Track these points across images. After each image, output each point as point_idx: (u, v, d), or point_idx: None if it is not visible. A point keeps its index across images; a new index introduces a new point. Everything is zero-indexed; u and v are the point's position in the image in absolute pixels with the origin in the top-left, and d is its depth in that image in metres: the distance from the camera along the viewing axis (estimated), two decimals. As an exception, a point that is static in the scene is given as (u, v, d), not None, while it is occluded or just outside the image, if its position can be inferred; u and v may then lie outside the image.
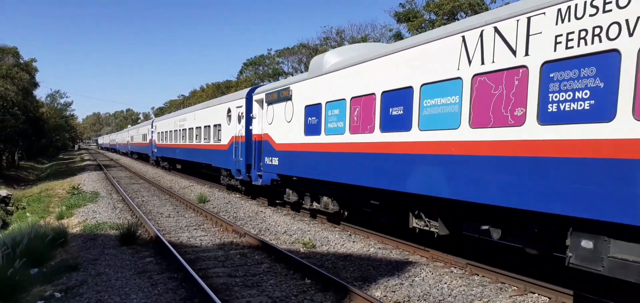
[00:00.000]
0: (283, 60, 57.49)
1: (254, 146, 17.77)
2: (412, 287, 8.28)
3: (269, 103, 16.13)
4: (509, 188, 7.14)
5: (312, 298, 7.70)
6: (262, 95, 16.98)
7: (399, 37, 36.08)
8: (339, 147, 11.61)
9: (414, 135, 9.02)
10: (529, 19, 6.83)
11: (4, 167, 42.13)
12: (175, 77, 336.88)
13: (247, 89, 19.96)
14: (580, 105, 6.17)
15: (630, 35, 5.66)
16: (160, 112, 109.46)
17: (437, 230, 9.43)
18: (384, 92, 9.93)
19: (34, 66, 42.09)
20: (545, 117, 6.58)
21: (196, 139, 27.24)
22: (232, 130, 20.14)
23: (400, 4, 35.60)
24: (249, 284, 8.49)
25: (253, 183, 17.93)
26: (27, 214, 19.88)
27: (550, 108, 6.53)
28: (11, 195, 25.09)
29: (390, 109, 9.73)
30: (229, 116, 20.75)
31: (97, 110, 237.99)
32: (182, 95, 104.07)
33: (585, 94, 6.13)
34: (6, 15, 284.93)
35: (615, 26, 5.81)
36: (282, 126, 15.07)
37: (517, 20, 7.01)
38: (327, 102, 12.21)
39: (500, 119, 7.24)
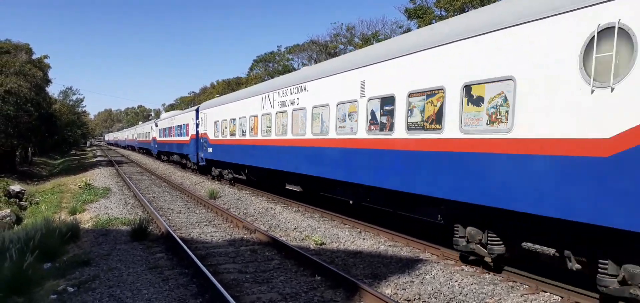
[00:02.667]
0: (293, 57, 57.53)
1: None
2: (422, 285, 8.25)
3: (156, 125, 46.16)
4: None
5: (322, 295, 7.69)
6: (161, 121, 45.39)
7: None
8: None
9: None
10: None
11: (17, 162, 42.61)
12: (186, 73, 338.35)
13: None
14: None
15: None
16: (170, 108, 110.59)
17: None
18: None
19: (46, 63, 42.51)
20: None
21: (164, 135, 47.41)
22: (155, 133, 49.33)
23: (411, 0, 35.41)
24: (259, 280, 8.51)
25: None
26: (42, 207, 20.09)
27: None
28: (25, 190, 25.40)
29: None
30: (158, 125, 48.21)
31: (109, 107, 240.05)
32: (192, 92, 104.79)
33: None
34: (19, 13, 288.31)
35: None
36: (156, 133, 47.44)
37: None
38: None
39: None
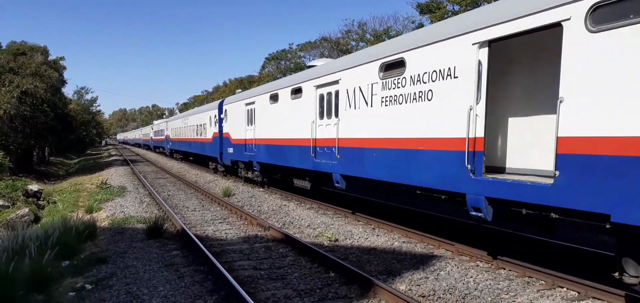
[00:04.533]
0: (305, 54, 57.48)
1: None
2: (437, 281, 8.22)
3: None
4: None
5: (336, 291, 7.71)
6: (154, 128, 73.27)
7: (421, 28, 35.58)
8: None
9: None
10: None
11: (34, 162, 43.30)
12: (200, 72, 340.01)
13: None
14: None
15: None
16: (184, 107, 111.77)
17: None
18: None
19: (62, 64, 43.09)
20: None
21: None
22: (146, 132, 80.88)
23: (423, -5, 35.11)
24: (274, 277, 8.56)
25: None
26: (60, 206, 20.40)
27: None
28: (42, 189, 25.80)
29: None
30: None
31: (124, 106, 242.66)
32: (205, 90, 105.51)
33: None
34: (34, 13, 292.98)
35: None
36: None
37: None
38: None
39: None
